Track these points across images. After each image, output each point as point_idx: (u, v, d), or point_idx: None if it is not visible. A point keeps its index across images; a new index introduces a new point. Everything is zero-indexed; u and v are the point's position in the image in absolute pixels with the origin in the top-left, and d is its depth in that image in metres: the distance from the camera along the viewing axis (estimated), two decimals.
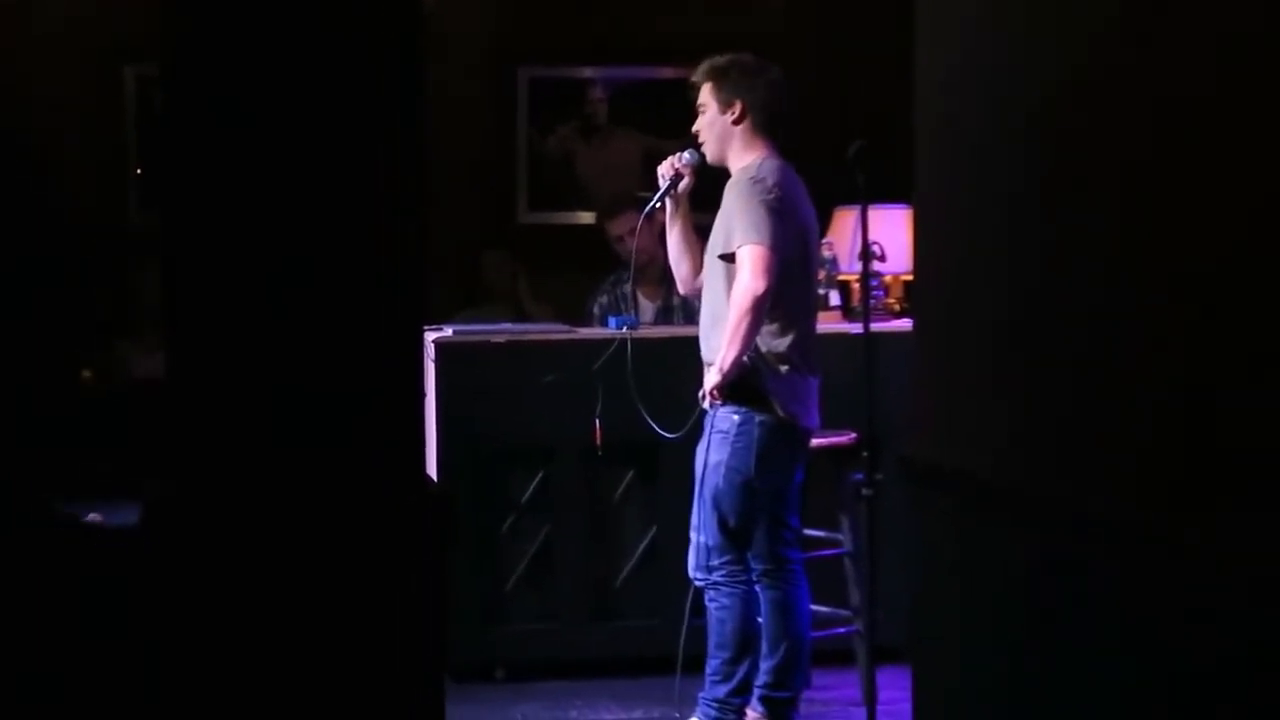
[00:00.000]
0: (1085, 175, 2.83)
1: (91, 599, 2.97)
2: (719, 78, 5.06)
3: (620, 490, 5.95)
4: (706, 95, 5.07)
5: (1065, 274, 2.90)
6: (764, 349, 4.86)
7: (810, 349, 4.96)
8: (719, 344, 4.86)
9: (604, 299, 6.63)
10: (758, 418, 4.85)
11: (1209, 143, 2.46)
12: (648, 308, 6.60)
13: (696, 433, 4.99)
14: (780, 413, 4.87)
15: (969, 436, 3.33)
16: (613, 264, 6.63)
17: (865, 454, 4.88)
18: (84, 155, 7.11)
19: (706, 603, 4.94)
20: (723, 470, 4.86)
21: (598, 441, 5.68)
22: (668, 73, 7.76)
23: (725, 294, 4.89)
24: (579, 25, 7.81)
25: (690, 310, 6.20)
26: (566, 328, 6.17)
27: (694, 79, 5.12)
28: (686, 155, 5.10)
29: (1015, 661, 3.11)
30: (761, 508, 4.96)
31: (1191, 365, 2.51)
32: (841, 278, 6.30)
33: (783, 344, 4.88)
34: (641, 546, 5.94)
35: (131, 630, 2.98)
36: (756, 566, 5.04)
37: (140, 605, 2.97)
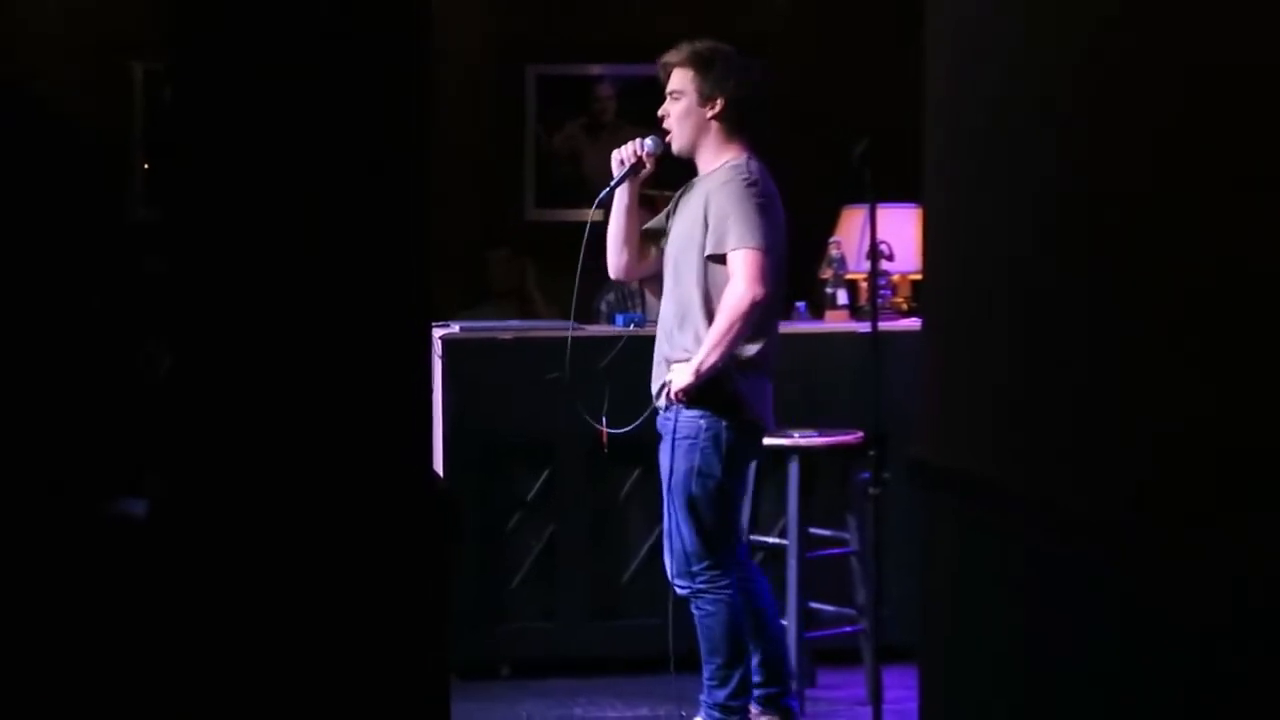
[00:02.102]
0: (1095, 172, 2.83)
1: (101, 595, 2.97)
2: (702, 68, 4.87)
3: (625, 488, 5.94)
4: (685, 82, 4.88)
5: (1076, 274, 2.90)
6: (736, 352, 4.78)
7: (774, 352, 4.91)
8: (687, 343, 4.79)
9: (611, 296, 6.62)
10: (724, 421, 4.79)
11: (1218, 139, 2.45)
12: (654, 305, 6.59)
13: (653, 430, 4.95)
14: (748, 415, 4.83)
15: (978, 438, 3.32)
16: None
17: (872, 453, 4.86)
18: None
19: (693, 610, 4.90)
20: (695, 476, 4.80)
21: (603, 439, 5.66)
22: None
23: (698, 292, 4.80)
24: (586, 23, 7.80)
25: None
26: (573, 325, 6.15)
27: (669, 60, 4.91)
28: (649, 143, 4.89)
29: (1022, 662, 3.10)
30: (735, 510, 4.95)
31: (1205, 369, 2.50)
32: (849, 277, 6.29)
33: (754, 348, 4.81)
34: (646, 545, 5.93)
35: (137, 628, 2.98)
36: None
37: (145, 602, 2.97)
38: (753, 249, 4.70)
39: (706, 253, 4.79)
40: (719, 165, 4.86)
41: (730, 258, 4.74)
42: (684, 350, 4.79)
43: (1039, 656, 3.01)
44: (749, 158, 4.85)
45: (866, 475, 4.98)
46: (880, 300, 5.20)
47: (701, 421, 4.78)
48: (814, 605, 5.58)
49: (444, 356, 5.78)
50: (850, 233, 6.63)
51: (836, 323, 6.09)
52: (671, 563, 4.89)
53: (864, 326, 5.25)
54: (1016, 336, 3.14)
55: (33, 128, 3.08)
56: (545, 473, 5.90)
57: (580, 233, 4.64)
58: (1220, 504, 2.42)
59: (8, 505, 2.95)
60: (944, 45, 3.50)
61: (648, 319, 6.22)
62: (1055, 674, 2.94)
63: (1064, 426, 2.92)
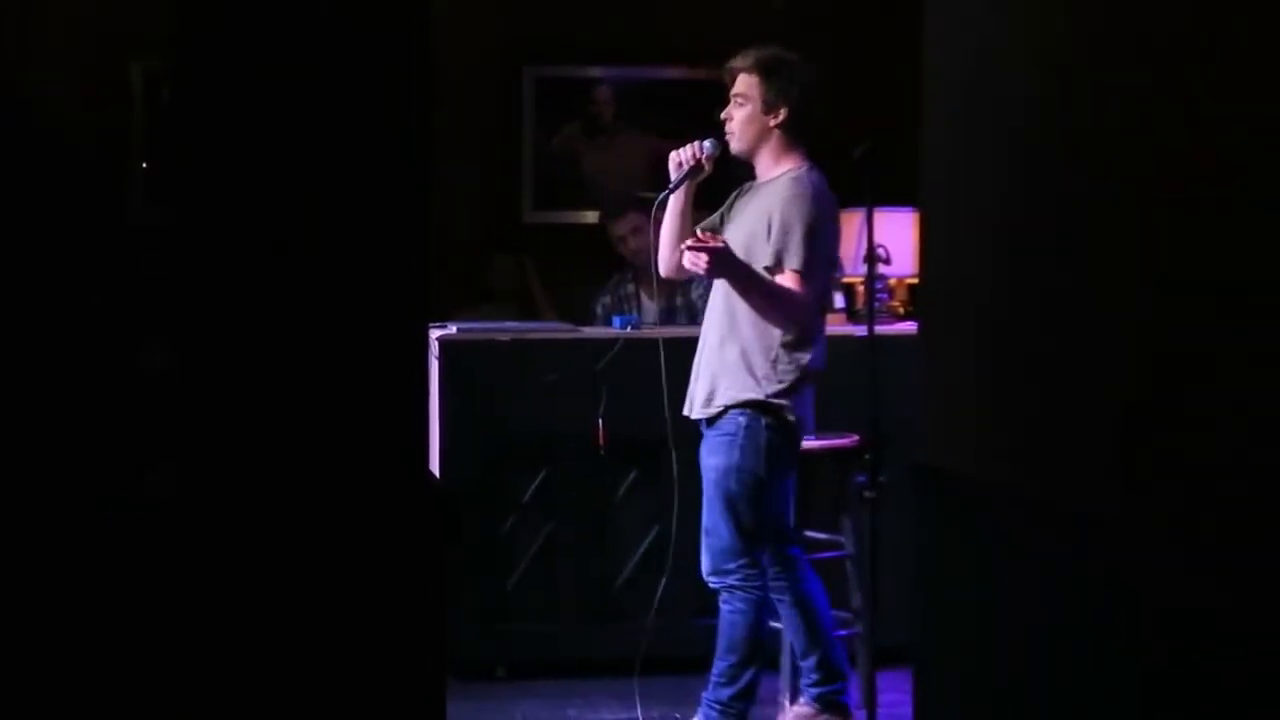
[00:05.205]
0: (1094, 174, 2.83)
1: (95, 598, 2.97)
2: (768, 75, 4.91)
3: (623, 490, 5.95)
4: (750, 88, 4.91)
5: (1072, 276, 2.90)
6: (801, 365, 4.84)
7: (823, 357, 4.95)
8: (732, 356, 4.84)
9: (607, 299, 6.64)
10: (764, 419, 4.82)
11: (1218, 141, 2.46)
12: (650, 308, 6.60)
13: (697, 432, 4.96)
14: (790, 417, 4.85)
15: (975, 441, 3.33)
16: (616, 264, 6.63)
17: (868, 456, 4.87)
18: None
19: (720, 604, 4.91)
20: (734, 473, 4.82)
21: (600, 441, 5.67)
22: (673, 73, 7.76)
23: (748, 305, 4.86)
24: (585, 25, 7.81)
25: (695, 310, 6.19)
26: (570, 327, 6.17)
27: (735, 65, 4.95)
28: (708, 145, 4.90)
29: (1019, 666, 3.11)
30: (773, 509, 4.95)
31: (1206, 369, 2.51)
32: (846, 280, 6.29)
33: (817, 360, 4.88)
34: (643, 546, 5.93)
35: (133, 630, 2.98)
36: (770, 570, 4.99)
37: (141, 604, 2.97)
38: (802, 275, 4.78)
39: (765, 263, 4.81)
40: (779, 175, 4.89)
41: (785, 276, 4.81)
42: (727, 364, 4.83)
43: (1036, 660, 3.02)
44: (808, 168, 4.89)
45: (862, 478, 4.99)
46: (877, 304, 5.20)
47: (741, 419, 4.81)
48: None
49: (441, 358, 5.78)
50: (847, 236, 6.63)
51: (833, 326, 6.08)
52: (707, 559, 4.89)
53: (861, 330, 5.25)
54: (1014, 339, 3.15)
55: (32, 129, 3.09)
56: (542, 474, 5.91)
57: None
58: (1233, 508, 2.43)
59: (6, 506, 2.95)
60: (943, 46, 3.50)
61: (644, 321, 6.23)
62: (1053, 678, 2.94)
63: (1061, 428, 2.93)
